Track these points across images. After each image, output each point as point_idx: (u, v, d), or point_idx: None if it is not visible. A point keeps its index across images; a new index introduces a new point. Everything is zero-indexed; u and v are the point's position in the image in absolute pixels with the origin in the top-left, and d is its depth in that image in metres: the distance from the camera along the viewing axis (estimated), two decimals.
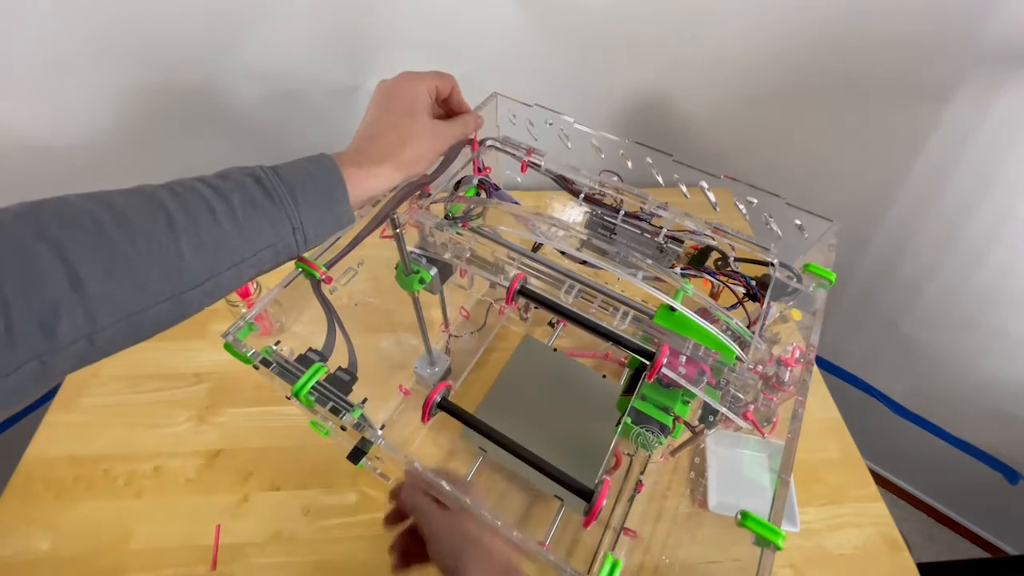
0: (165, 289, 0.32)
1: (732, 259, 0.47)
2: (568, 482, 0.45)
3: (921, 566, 0.59)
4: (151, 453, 0.63)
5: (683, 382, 0.40)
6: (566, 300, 0.45)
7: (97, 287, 0.29)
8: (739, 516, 0.36)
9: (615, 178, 0.52)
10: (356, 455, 0.46)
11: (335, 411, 0.41)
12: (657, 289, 0.42)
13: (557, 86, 0.84)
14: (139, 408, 0.67)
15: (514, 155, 0.55)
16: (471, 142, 0.53)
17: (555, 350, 0.73)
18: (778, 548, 0.35)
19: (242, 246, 0.35)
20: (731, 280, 0.48)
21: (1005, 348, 0.90)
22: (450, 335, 0.72)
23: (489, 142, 0.56)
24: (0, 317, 0.27)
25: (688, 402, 0.45)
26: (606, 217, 0.52)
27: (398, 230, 0.47)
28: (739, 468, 0.62)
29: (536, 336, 0.76)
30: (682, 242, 0.49)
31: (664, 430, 0.43)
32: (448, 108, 0.49)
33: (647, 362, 0.41)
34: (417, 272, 0.51)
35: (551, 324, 0.76)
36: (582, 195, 0.53)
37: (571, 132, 0.56)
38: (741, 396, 0.41)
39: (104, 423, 0.65)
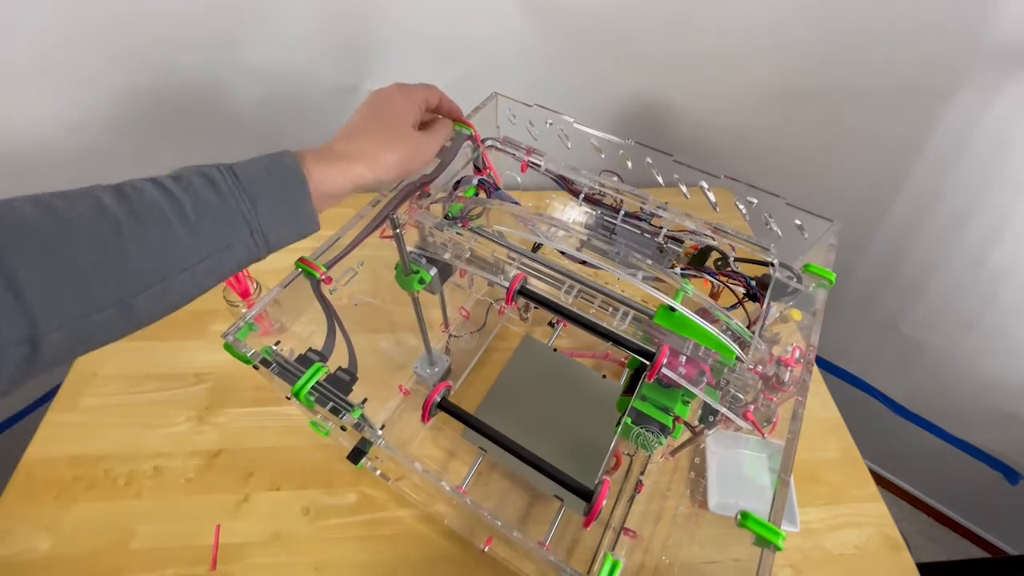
0: (109, 293, 0.31)
1: (732, 259, 0.47)
2: (568, 482, 0.45)
3: (921, 566, 0.59)
4: (151, 453, 0.63)
5: (683, 382, 0.40)
6: (566, 300, 0.45)
7: (36, 291, 0.29)
8: (739, 516, 0.36)
9: (615, 178, 0.52)
10: (356, 455, 0.46)
11: (335, 411, 0.41)
12: (657, 289, 0.42)
13: (557, 86, 0.84)
14: (139, 408, 0.67)
15: (514, 155, 0.55)
16: (473, 138, 0.53)
17: (555, 350, 0.73)
18: (778, 548, 0.35)
19: (194, 249, 0.34)
20: (731, 280, 0.48)
21: (1005, 348, 0.90)
22: (450, 335, 0.72)
23: (489, 142, 0.56)
24: None
25: (688, 402, 0.45)
26: (606, 217, 0.52)
27: (398, 230, 0.47)
28: (739, 468, 0.62)
29: (536, 336, 0.76)
30: (682, 242, 0.49)
31: (664, 430, 0.43)
32: (440, 114, 0.50)
33: (647, 362, 0.42)
34: (417, 272, 0.51)
35: (551, 324, 0.76)
36: (582, 195, 0.53)
37: (571, 132, 0.56)
38: (741, 396, 0.41)
39: (104, 423, 0.65)
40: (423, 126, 0.47)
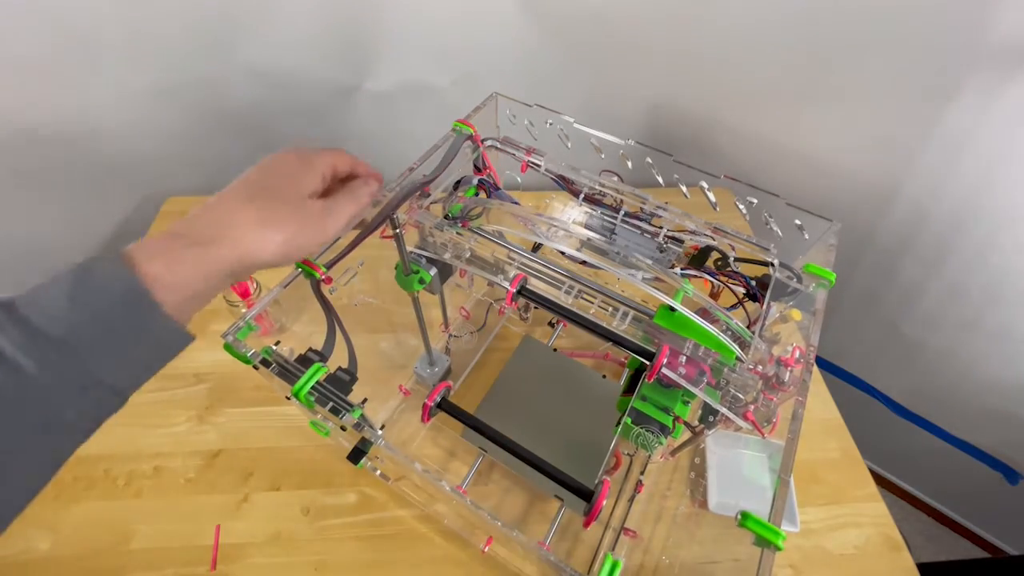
0: None
1: (732, 259, 0.47)
2: (568, 482, 0.45)
3: (921, 566, 0.59)
4: (151, 453, 0.63)
5: (683, 382, 0.40)
6: (566, 300, 0.45)
7: None
8: (739, 516, 0.36)
9: (615, 178, 0.52)
10: (356, 455, 0.46)
11: (335, 411, 0.41)
12: (657, 289, 0.42)
13: (557, 86, 0.84)
14: (139, 408, 0.66)
15: (514, 155, 0.55)
16: (473, 138, 0.53)
17: (555, 350, 0.73)
18: (778, 548, 0.35)
19: None
20: (731, 280, 0.48)
21: (1006, 348, 0.90)
22: (450, 335, 0.72)
23: (489, 142, 0.56)
24: None
25: (688, 402, 0.46)
26: (606, 217, 0.52)
27: (398, 230, 0.47)
28: (739, 468, 0.62)
29: (536, 336, 0.76)
30: (682, 242, 0.49)
31: (664, 430, 0.43)
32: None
33: (647, 362, 0.42)
34: (417, 272, 0.51)
35: (551, 324, 0.76)
36: (582, 195, 0.53)
37: (571, 132, 0.56)
38: (741, 396, 0.41)
39: (104, 423, 0.65)
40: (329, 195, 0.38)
